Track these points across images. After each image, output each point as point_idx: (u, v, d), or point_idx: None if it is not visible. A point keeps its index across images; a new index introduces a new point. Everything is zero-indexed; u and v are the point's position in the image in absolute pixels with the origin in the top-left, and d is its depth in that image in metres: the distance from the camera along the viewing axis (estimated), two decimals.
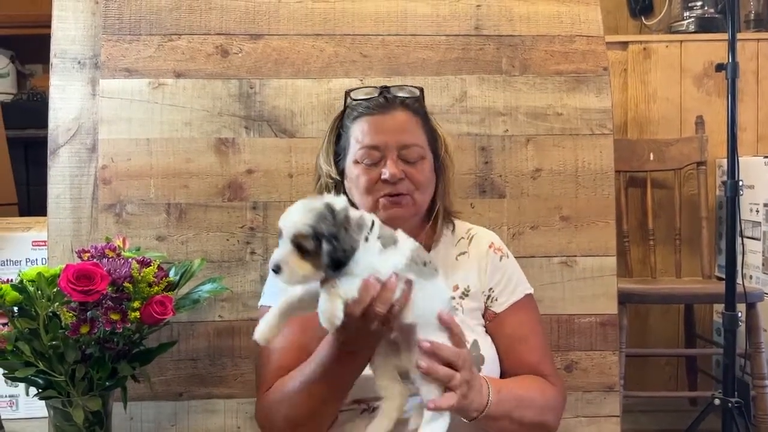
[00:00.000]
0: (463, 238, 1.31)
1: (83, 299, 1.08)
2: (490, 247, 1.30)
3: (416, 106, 1.27)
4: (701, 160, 2.52)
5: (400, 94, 1.25)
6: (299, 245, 0.93)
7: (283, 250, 0.93)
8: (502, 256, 1.30)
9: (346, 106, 1.28)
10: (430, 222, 1.28)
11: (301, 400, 1.11)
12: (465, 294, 1.26)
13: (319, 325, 1.02)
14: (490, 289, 1.28)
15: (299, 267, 0.93)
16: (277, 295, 1.23)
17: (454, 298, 1.23)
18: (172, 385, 1.50)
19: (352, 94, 1.28)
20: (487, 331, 1.26)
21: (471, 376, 1.05)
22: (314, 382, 1.09)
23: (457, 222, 1.34)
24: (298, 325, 1.20)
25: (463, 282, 1.27)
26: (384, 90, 1.25)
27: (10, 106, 3.66)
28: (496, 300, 1.27)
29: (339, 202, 0.98)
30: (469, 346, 1.18)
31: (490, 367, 1.22)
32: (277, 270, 0.93)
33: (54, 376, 1.13)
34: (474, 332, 1.23)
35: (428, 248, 1.26)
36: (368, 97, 1.26)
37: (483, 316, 1.27)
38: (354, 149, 1.23)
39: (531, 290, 1.32)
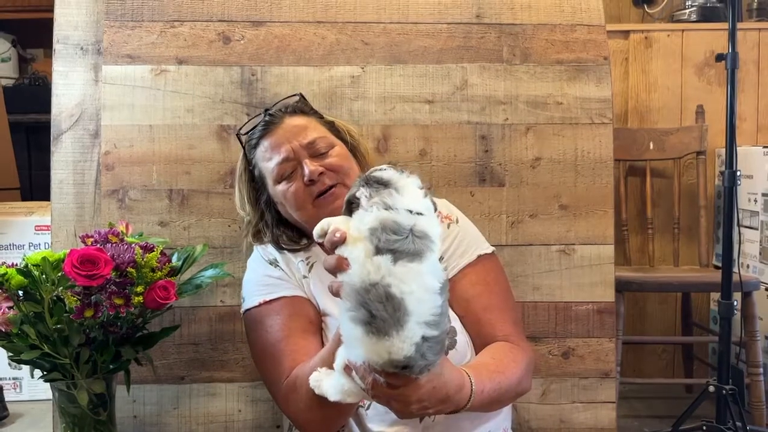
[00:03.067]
0: None
1: (87, 283, 1.10)
2: (437, 216, 1.30)
3: (302, 107, 1.32)
4: (701, 150, 2.53)
5: (281, 108, 1.30)
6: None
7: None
8: (450, 223, 1.30)
9: (243, 146, 1.33)
10: None
11: None
12: None
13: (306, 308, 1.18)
14: (441, 258, 1.26)
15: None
16: (264, 288, 1.26)
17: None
18: (174, 368, 1.52)
19: (240, 132, 1.34)
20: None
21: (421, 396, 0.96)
22: (332, 353, 1.08)
23: None
24: (287, 315, 1.23)
25: None
26: (265, 112, 1.30)
27: (11, 91, 3.67)
28: (447, 267, 1.26)
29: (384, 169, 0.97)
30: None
31: (463, 349, 1.19)
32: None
33: (59, 358, 1.15)
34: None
35: None
36: (254, 125, 1.31)
37: None
38: (269, 173, 1.26)
39: (488, 250, 1.29)
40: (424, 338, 0.86)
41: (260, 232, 1.32)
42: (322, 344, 1.21)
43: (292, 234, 1.31)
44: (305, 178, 1.21)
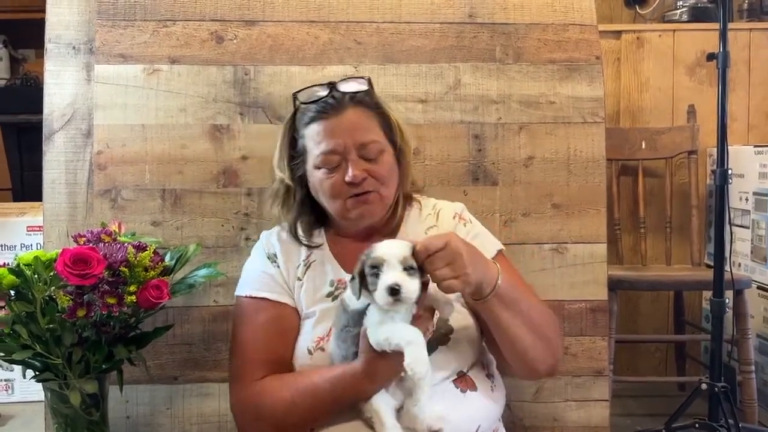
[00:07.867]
0: (430, 213, 1.34)
1: (80, 283, 1.09)
2: (454, 217, 1.33)
3: (367, 99, 1.26)
4: (692, 149, 2.54)
5: (348, 90, 1.24)
6: (408, 268, 1.05)
7: (395, 273, 1.05)
8: (466, 223, 1.33)
9: (295, 109, 1.28)
10: (390, 210, 1.29)
11: (303, 405, 1.14)
12: None
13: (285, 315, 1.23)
14: None
15: (411, 284, 1.05)
16: (255, 283, 1.27)
17: None
18: (167, 368, 1.51)
19: (300, 96, 1.27)
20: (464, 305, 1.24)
21: (464, 249, 1.06)
22: (324, 391, 1.12)
23: (422, 199, 1.37)
24: (266, 317, 1.24)
25: None
26: (332, 88, 1.24)
27: (3, 91, 3.65)
28: None
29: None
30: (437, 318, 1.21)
31: (461, 333, 1.22)
32: (397, 289, 1.03)
33: (51, 358, 1.15)
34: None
35: (395, 232, 1.30)
36: (317, 99, 1.24)
37: None
38: (313, 155, 1.23)
39: (501, 246, 1.32)
40: None
41: (289, 200, 1.29)
42: (292, 352, 1.23)
43: (311, 220, 1.30)
44: (347, 178, 1.19)
